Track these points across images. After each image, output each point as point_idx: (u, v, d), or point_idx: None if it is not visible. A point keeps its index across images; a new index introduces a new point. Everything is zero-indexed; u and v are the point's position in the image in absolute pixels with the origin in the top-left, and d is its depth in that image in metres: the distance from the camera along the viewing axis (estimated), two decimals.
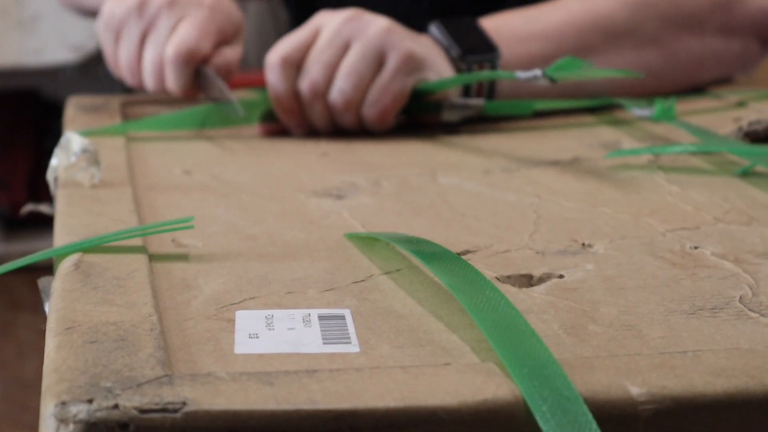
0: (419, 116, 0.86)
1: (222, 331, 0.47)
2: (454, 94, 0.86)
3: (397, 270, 0.55)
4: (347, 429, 0.39)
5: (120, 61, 0.89)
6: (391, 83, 0.82)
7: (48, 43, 2.35)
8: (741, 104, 0.93)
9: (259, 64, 0.94)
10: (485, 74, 0.84)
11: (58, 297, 0.50)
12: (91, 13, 1.05)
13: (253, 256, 0.57)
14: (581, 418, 0.39)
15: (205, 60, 0.87)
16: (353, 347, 0.46)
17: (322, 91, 0.82)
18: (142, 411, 0.39)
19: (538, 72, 0.76)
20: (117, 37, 0.89)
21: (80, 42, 2.36)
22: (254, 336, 0.47)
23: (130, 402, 0.39)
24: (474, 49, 0.86)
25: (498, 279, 0.54)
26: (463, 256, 0.55)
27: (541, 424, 0.39)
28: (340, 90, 0.82)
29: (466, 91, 0.88)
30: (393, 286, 0.53)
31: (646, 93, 0.93)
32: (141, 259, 0.54)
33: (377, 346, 0.46)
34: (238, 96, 0.87)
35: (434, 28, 0.88)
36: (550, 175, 0.73)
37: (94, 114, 0.90)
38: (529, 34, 0.89)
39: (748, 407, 0.42)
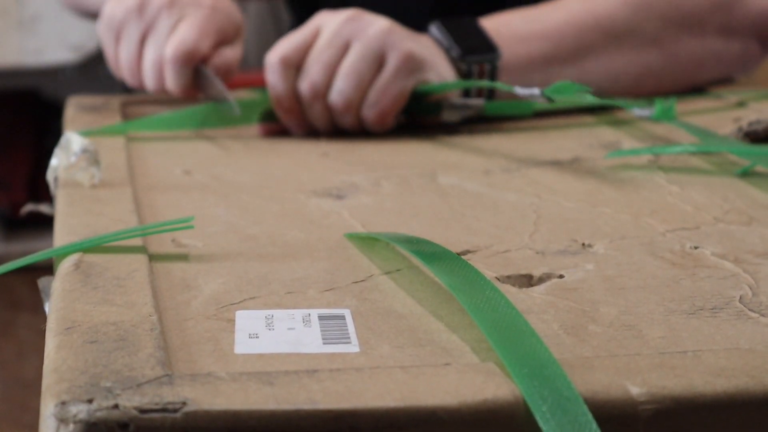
0: (419, 117, 0.86)
1: (222, 331, 0.47)
2: (454, 95, 0.86)
3: (397, 270, 0.55)
4: (347, 429, 0.39)
5: (120, 61, 0.89)
6: (391, 84, 0.82)
7: (48, 43, 2.35)
8: (741, 104, 0.93)
9: (259, 64, 0.94)
10: (484, 83, 0.84)
11: (58, 297, 0.50)
12: (93, 15, 1.05)
13: (253, 256, 0.57)
14: (581, 418, 0.39)
15: (204, 60, 0.87)
16: (353, 347, 0.46)
17: (321, 92, 0.82)
18: (142, 411, 0.39)
19: (536, 91, 0.76)
20: (117, 37, 0.89)
21: (80, 42, 2.36)
22: (254, 336, 0.47)
23: (130, 402, 0.39)
24: (474, 50, 0.86)
25: (498, 279, 0.54)
26: (463, 256, 0.55)
27: (541, 424, 0.39)
28: (339, 90, 0.82)
29: (466, 92, 0.88)
30: (393, 286, 0.53)
31: (646, 93, 0.93)
32: (141, 259, 0.54)
33: (377, 346, 0.46)
34: (238, 96, 0.87)
35: (434, 29, 0.88)
36: (550, 175, 0.73)
37: (94, 114, 0.90)
38: (529, 34, 0.89)
39: (748, 407, 0.42)
